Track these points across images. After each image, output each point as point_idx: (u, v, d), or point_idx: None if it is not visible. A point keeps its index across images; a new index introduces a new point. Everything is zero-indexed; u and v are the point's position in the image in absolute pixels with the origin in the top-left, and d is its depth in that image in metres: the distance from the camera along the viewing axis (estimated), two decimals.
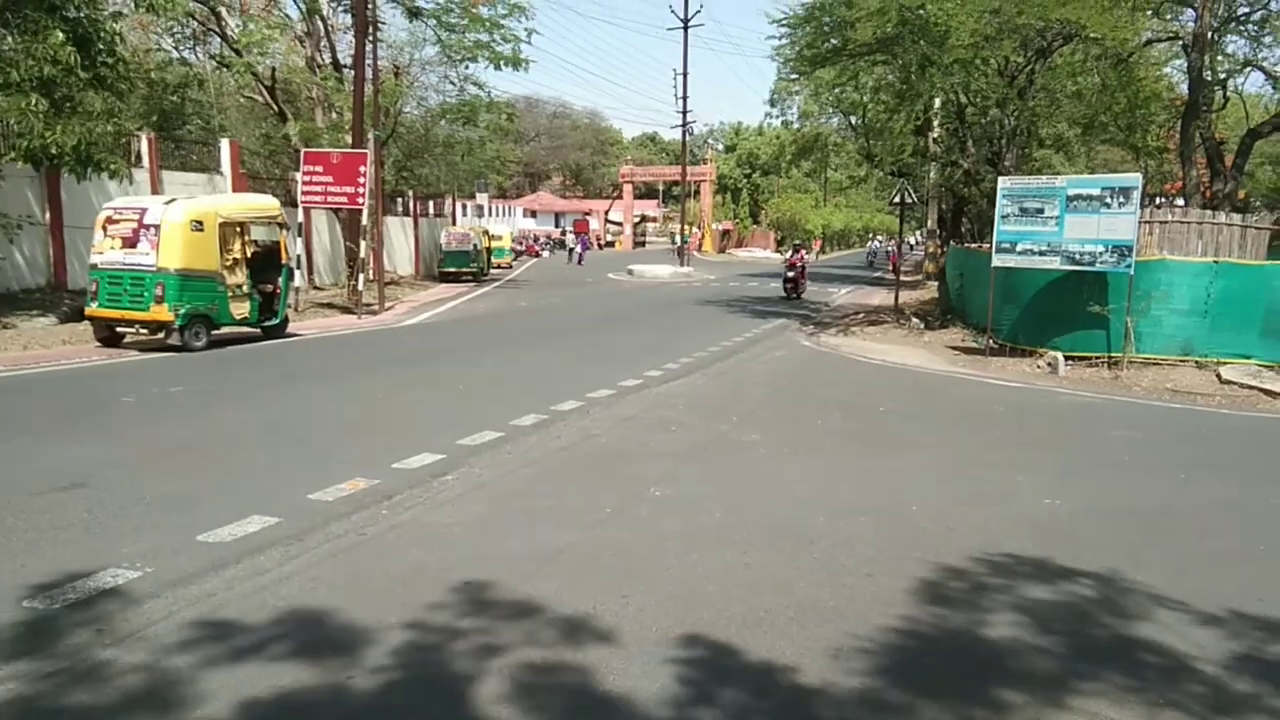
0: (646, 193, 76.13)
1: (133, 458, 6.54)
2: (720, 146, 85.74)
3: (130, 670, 3.31)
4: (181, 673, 3.30)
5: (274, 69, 23.49)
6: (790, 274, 25.53)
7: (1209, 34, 16.70)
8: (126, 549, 4.49)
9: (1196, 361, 12.14)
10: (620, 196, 71.02)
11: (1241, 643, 3.82)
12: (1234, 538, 5.46)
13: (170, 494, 5.59)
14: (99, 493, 5.54)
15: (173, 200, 12.67)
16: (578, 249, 44.51)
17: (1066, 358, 12.52)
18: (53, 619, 3.71)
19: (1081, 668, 3.56)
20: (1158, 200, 26.68)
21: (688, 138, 47.89)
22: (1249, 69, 18.90)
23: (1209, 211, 14.83)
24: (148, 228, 11.91)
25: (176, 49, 24.06)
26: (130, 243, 11.98)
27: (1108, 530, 5.49)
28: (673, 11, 41.65)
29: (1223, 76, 18.62)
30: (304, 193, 18.55)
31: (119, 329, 12.31)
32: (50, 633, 3.58)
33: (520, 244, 48.40)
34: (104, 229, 12.18)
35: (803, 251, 27.40)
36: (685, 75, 42.65)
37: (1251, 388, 10.98)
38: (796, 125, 47.33)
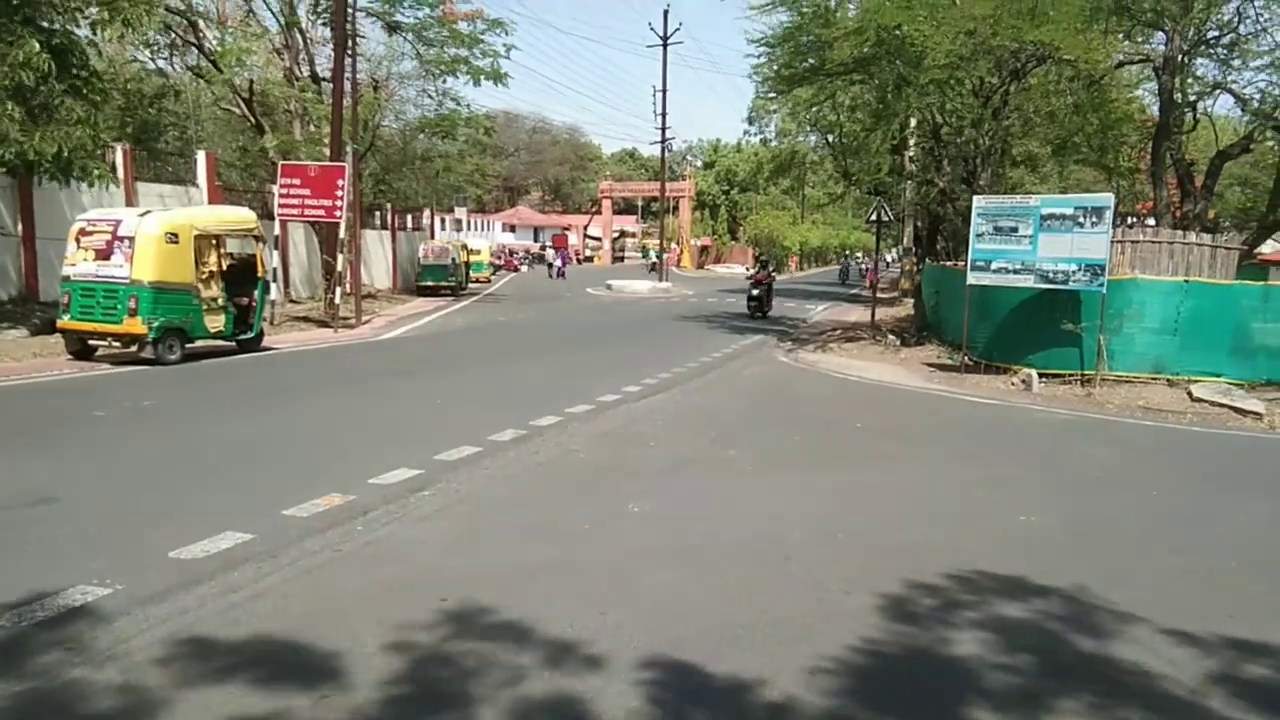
0: (625, 208, 76.33)
1: (103, 473, 6.45)
2: (699, 163, 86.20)
3: (100, 690, 3.26)
4: (152, 692, 3.25)
5: (251, 81, 23.40)
6: (755, 291, 24.83)
7: (1179, 57, 17.00)
8: (96, 565, 4.42)
9: (1168, 379, 12.30)
10: (599, 212, 71.17)
11: (1214, 660, 3.86)
12: (1207, 554, 5.52)
13: (142, 510, 5.51)
14: (68, 508, 5.46)
15: (147, 212, 12.55)
16: (558, 263, 44.90)
17: (1040, 375, 12.64)
18: (20, 638, 3.64)
19: (1054, 686, 3.58)
20: (1130, 220, 27.05)
21: (667, 154, 48.12)
22: (1218, 91, 19.23)
23: (1179, 232, 15.05)
24: (122, 239, 11.79)
25: (153, 60, 23.90)
26: (104, 254, 11.85)
27: (1082, 547, 5.53)
28: (652, 29, 42.03)
29: (1193, 99, 18.92)
30: (281, 205, 18.45)
31: (91, 342, 12.15)
32: (18, 652, 3.51)
33: (499, 258, 48.35)
34: (77, 240, 12.04)
35: (769, 268, 25.88)
36: (664, 92, 42.93)
37: (1222, 405, 11.14)
38: (774, 143, 47.78)
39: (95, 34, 13.74)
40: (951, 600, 4.44)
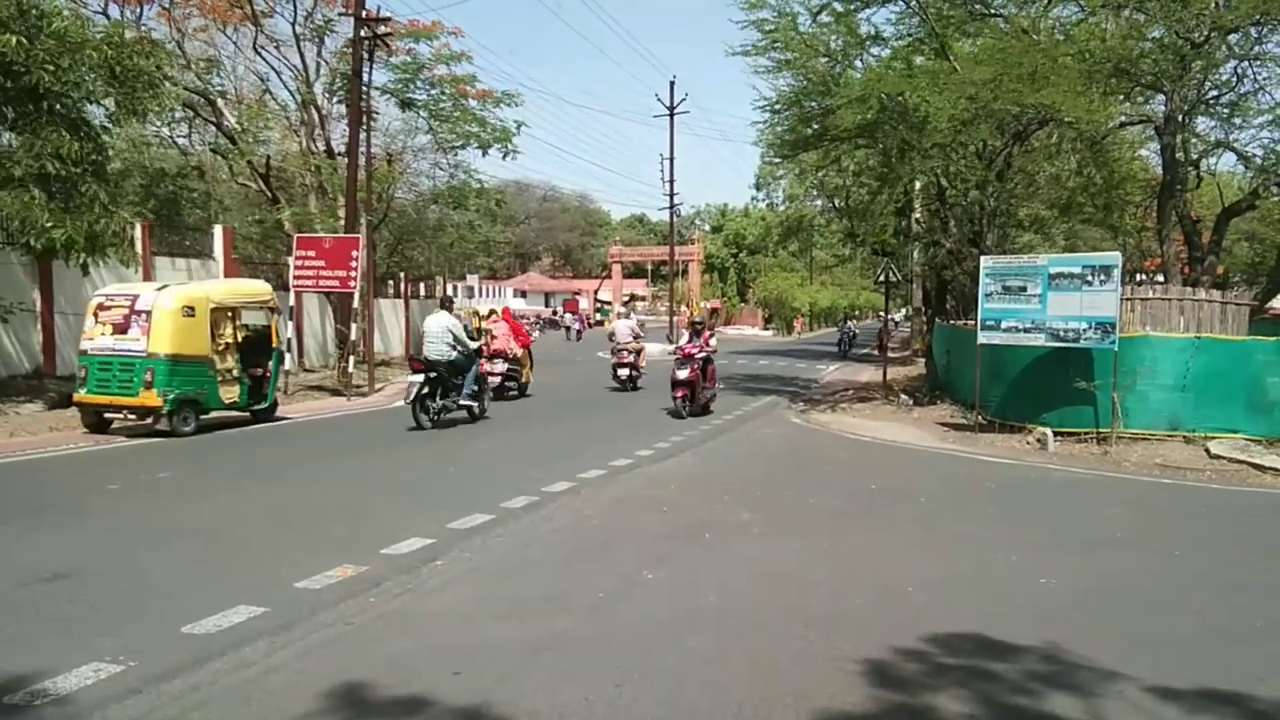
0: (635, 272, 77.00)
1: (117, 546, 6.45)
2: (707, 227, 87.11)
3: None
4: None
5: (268, 157, 23.93)
6: (630, 368, 19.62)
7: (1180, 117, 17.21)
8: (109, 642, 4.40)
9: (1185, 436, 12.19)
10: (609, 276, 71.80)
11: None
12: (1231, 615, 5.42)
13: (155, 584, 5.50)
14: (82, 583, 5.45)
15: (164, 286, 12.74)
16: (575, 326, 46.24)
17: (1055, 433, 12.55)
18: (33, 716, 3.61)
19: None
20: (1138, 277, 27.11)
21: (675, 219, 48.69)
22: (1221, 149, 19.42)
23: (1189, 288, 15.07)
24: (139, 314, 11.95)
25: (173, 138, 24.50)
26: (121, 328, 12.00)
27: (1103, 610, 5.44)
28: (659, 100, 42.78)
29: (1196, 157, 19.11)
30: (296, 277, 18.69)
31: (107, 415, 12.24)
32: None
33: None
34: (95, 315, 12.21)
35: (706, 335, 16.14)
36: (672, 160, 43.58)
37: (1241, 462, 11.02)
38: (782, 207, 48.35)
39: (110, 126, 14.19)
40: (973, 669, 4.36)
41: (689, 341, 16.03)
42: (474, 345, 13.97)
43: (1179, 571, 6.48)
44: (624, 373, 19.97)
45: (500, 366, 17.56)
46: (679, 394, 14.91)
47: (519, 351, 18.27)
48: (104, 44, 12.76)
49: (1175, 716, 3.84)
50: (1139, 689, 4.11)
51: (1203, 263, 18.23)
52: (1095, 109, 15.28)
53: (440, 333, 13.50)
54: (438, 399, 13.21)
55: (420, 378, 12.96)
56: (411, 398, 12.79)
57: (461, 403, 13.65)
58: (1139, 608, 5.53)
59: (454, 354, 13.33)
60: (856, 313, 71.98)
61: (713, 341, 16.15)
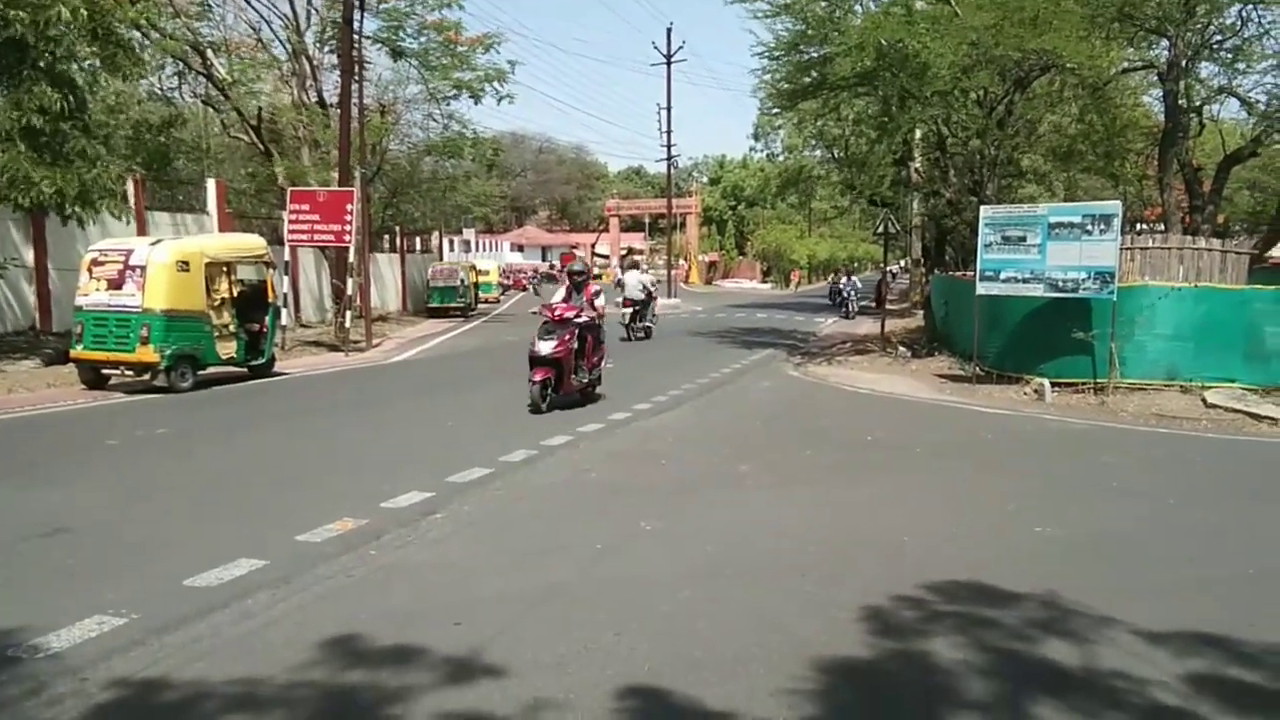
0: (633, 225, 76.55)
1: (117, 501, 6.47)
2: (705, 179, 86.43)
3: None
4: None
5: (260, 109, 23.62)
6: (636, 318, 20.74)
7: (1183, 62, 16.98)
8: (111, 595, 4.43)
9: (1182, 386, 12.21)
10: (606, 230, 71.43)
11: (1231, 670, 3.81)
12: (1224, 562, 5.47)
13: (156, 538, 5.53)
14: (83, 538, 5.48)
15: (158, 241, 12.65)
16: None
17: (1053, 384, 12.57)
18: (37, 668, 3.64)
19: (1076, 697, 3.54)
20: (1138, 226, 26.97)
21: (673, 171, 48.29)
22: (1224, 96, 19.20)
23: (1189, 237, 15.00)
24: (133, 269, 11.88)
25: (161, 89, 24.16)
26: (116, 284, 11.94)
27: (1098, 557, 5.49)
28: (655, 48, 42.21)
29: (1198, 104, 18.90)
30: (290, 231, 18.56)
31: (104, 371, 12.23)
32: (35, 682, 3.51)
33: (507, 278, 48.55)
34: (89, 270, 12.14)
35: (590, 291, 11.37)
36: (669, 110, 43.17)
37: (1237, 411, 11.05)
38: (781, 158, 47.93)
39: (90, 89, 14.00)
40: (970, 615, 4.40)
41: (565, 300, 11.14)
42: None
43: (1174, 520, 6.52)
44: (631, 322, 21.39)
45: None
46: (538, 377, 10.41)
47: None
48: (81, 4, 12.52)
49: (1166, 660, 3.88)
50: (1131, 634, 4.16)
51: (1203, 211, 18.13)
52: (1098, 54, 15.09)
53: (636, 284, 21.67)
54: (638, 322, 21.27)
55: (630, 309, 21.17)
56: (627, 320, 20.92)
57: (647, 323, 21.72)
58: (1133, 556, 5.57)
59: (643, 295, 21.65)
60: (855, 264, 66.94)
61: (600, 301, 11.32)
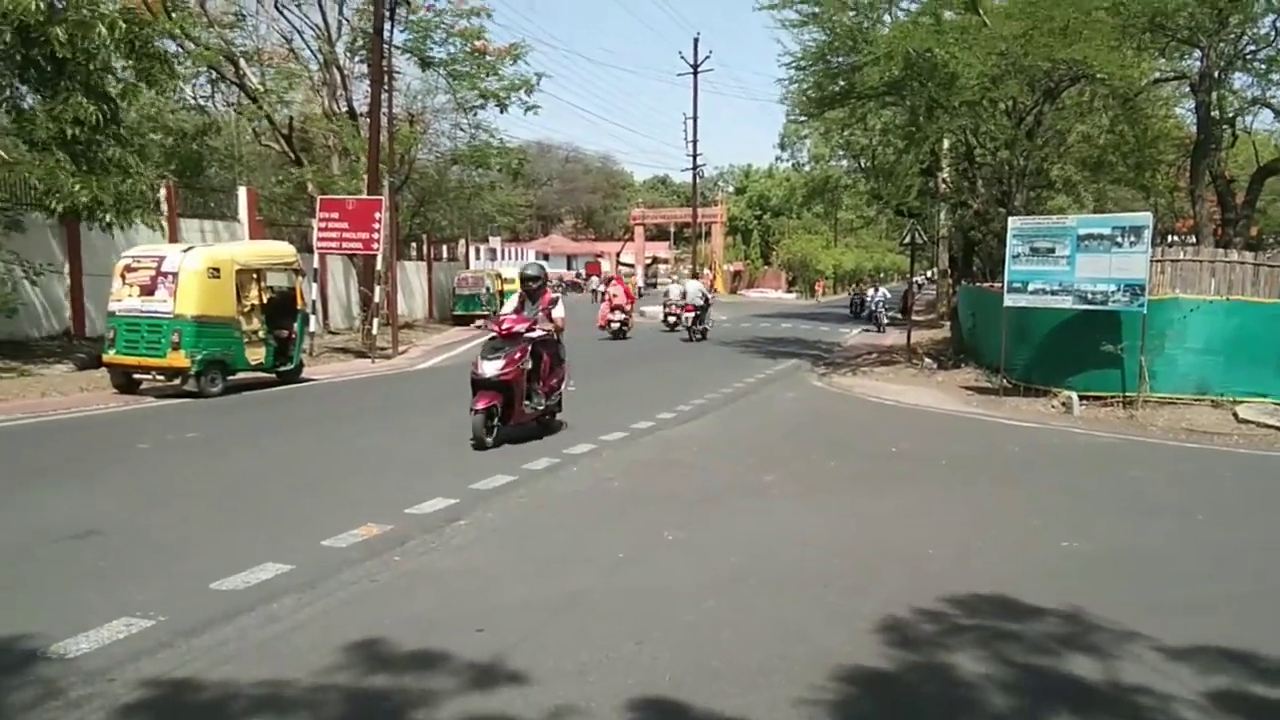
0: (658, 234, 76.58)
1: (147, 504, 6.56)
2: (730, 189, 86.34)
3: None
4: None
5: (291, 118, 23.93)
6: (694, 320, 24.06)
7: (1215, 73, 16.81)
8: (140, 597, 4.49)
9: (1212, 400, 12.05)
10: (632, 239, 71.48)
11: (1262, 688, 3.75)
12: (1253, 580, 5.39)
13: (184, 541, 5.60)
14: (113, 540, 5.56)
15: (190, 248, 12.84)
16: (602, 288, 46.46)
17: (1081, 397, 12.44)
18: (66, 668, 3.70)
19: (1097, 714, 3.50)
20: (1170, 238, 26.67)
21: (698, 180, 48.34)
22: (1258, 107, 18.97)
23: (1221, 250, 14.81)
24: (165, 275, 12.06)
25: (195, 98, 24.54)
26: (148, 290, 12.12)
27: (1125, 573, 5.43)
28: (682, 58, 42.41)
29: (1231, 115, 18.69)
30: (319, 239, 18.76)
31: (136, 376, 12.40)
32: (64, 682, 3.57)
33: None
34: (123, 277, 12.34)
35: (546, 298, 9.67)
36: (695, 119, 43.29)
37: (1269, 426, 10.89)
38: (807, 167, 47.82)
39: (125, 100, 14.23)
40: (992, 629, 4.37)
41: (516, 311, 9.45)
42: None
43: (1202, 536, 6.43)
44: (685, 323, 24.51)
45: (619, 316, 24.28)
46: (481, 404, 8.55)
47: (629, 306, 25.32)
48: (121, 19, 12.76)
49: (1188, 676, 3.83)
50: (1155, 650, 4.11)
51: (1236, 224, 17.90)
52: (1129, 65, 14.97)
53: (697, 290, 24.82)
54: (698, 324, 23.86)
55: (693, 314, 23.97)
56: (690, 324, 23.86)
57: (705, 325, 24.22)
58: (1160, 572, 5.50)
59: (703, 300, 24.48)
60: (881, 275, 64.89)
61: (558, 312, 9.68)
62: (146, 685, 3.57)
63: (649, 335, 25.55)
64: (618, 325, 24.00)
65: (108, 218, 13.32)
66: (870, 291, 32.53)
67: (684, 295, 25.29)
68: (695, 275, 29.19)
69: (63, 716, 3.32)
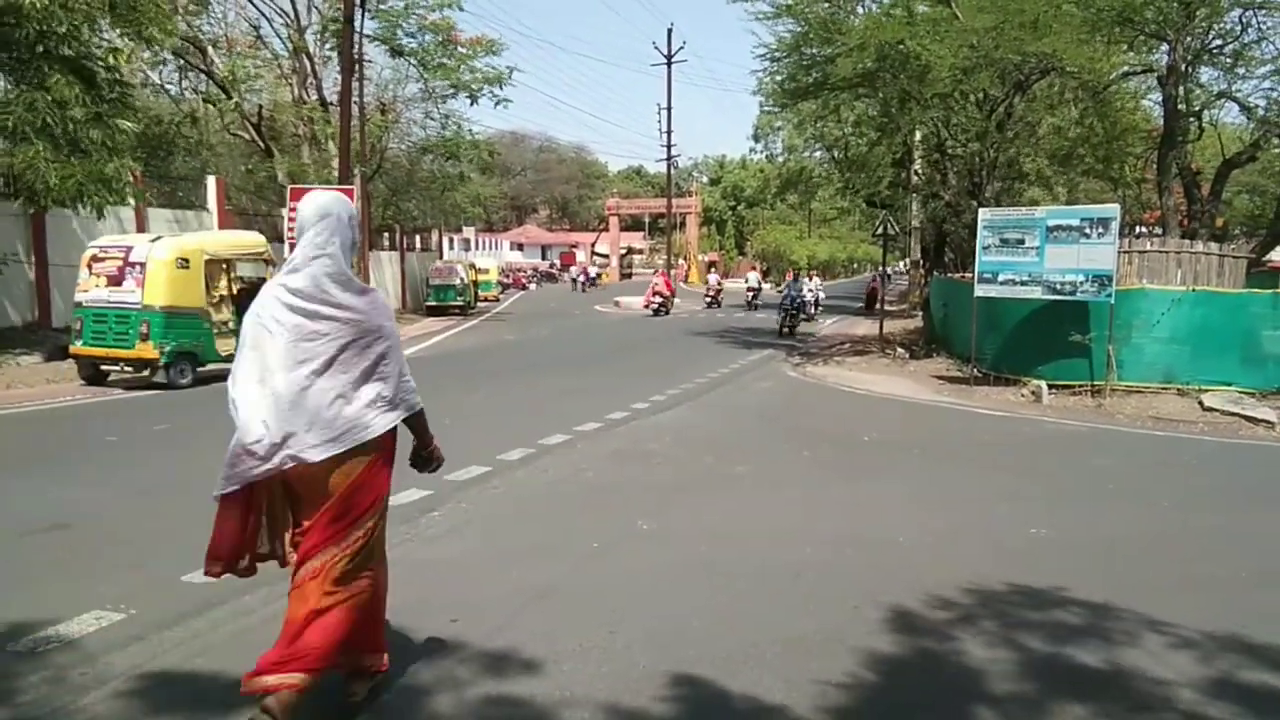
0: (632, 225, 76.57)
1: (116, 497, 6.50)
2: (705, 179, 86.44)
3: (114, 716, 3.28)
4: (167, 718, 3.27)
5: (260, 106, 23.66)
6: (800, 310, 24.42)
7: (1183, 66, 17.02)
8: (110, 590, 4.46)
9: (1179, 389, 12.25)
10: (606, 229, 71.40)
11: (1220, 668, 3.84)
12: (1219, 564, 5.49)
13: (154, 534, 5.55)
14: (81, 533, 5.50)
15: (158, 238, 12.68)
16: (581, 278, 48.03)
17: (1050, 386, 12.61)
18: (35, 663, 3.67)
19: (1061, 694, 3.57)
20: (1137, 229, 27.03)
21: (673, 171, 48.32)
22: (1224, 100, 19.24)
23: (1187, 241, 15.04)
24: (133, 265, 11.91)
25: (162, 85, 24.19)
26: (115, 280, 11.97)
27: (1092, 559, 5.52)
28: (656, 48, 42.26)
29: (1198, 108, 18.94)
30: (290, 229, 18.57)
31: (103, 367, 12.25)
32: (33, 677, 3.54)
33: (507, 277, 48.61)
34: (89, 267, 12.17)
35: (806, 283, 15.25)
36: (669, 110, 43.22)
37: (1234, 414, 11.08)
38: (781, 158, 47.93)
39: (116, 60, 13.85)
40: (960, 614, 4.44)
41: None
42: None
43: (1168, 522, 6.55)
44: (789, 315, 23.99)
45: (658, 300, 30.90)
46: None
47: (668, 293, 32.13)
48: None
49: (1149, 657, 3.92)
50: (1117, 632, 4.19)
51: (1202, 215, 18.17)
52: (1098, 58, 15.12)
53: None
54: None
55: (794, 309, 24.01)
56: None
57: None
58: (1125, 557, 5.60)
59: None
60: (809, 270, 47.77)
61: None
62: (118, 678, 3.54)
63: (632, 322, 25.49)
64: (658, 305, 31.05)
65: (89, 203, 13.02)
66: (797, 286, 25.61)
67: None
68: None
69: (32, 711, 3.29)
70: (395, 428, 3.24)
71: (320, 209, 3.04)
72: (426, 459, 3.55)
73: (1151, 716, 3.45)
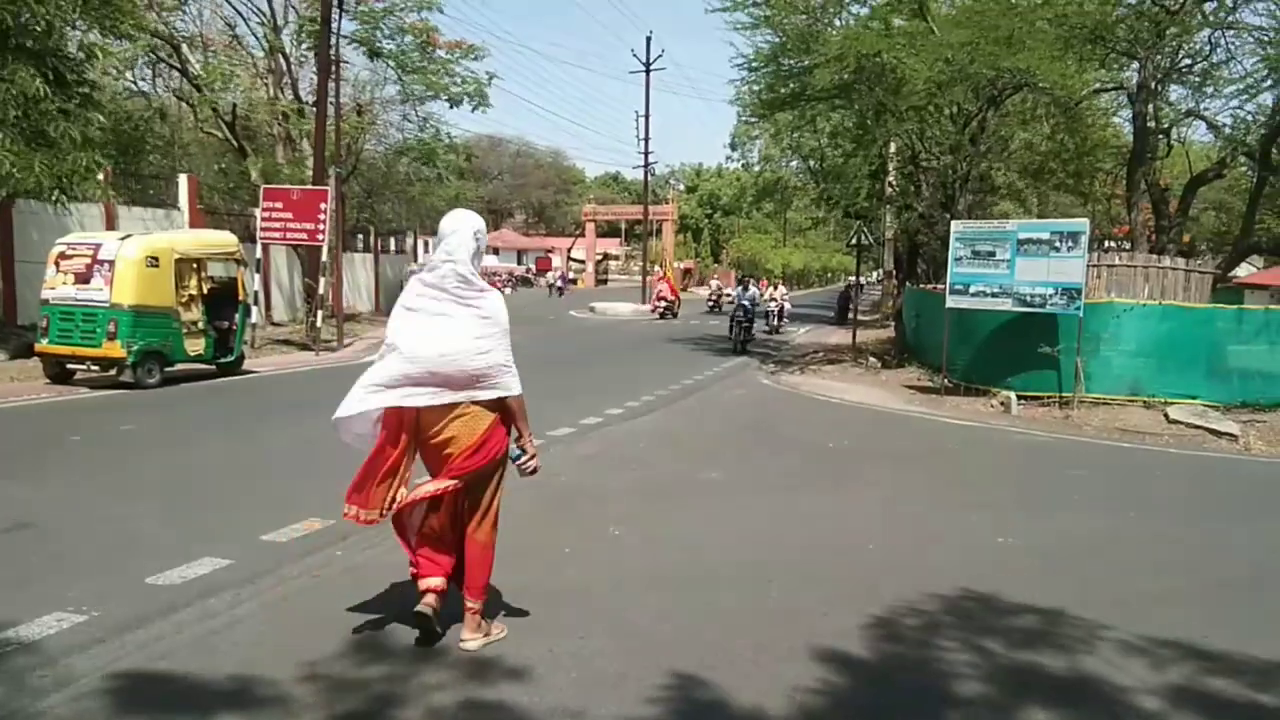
0: (609, 231, 76.54)
1: (80, 498, 6.39)
2: (681, 187, 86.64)
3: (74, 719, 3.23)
4: None
5: (235, 105, 23.43)
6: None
7: (1153, 84, 17.31)
8: (72, 592, 4.38)
9: (1145, 401, 12.42)
10: (583, 235, 71.29)
11: (1182, 676, 3.89)
12: (1181, 574, 5.58)
13: (119, 535, 5.47)
14: (43, 534, 5.41)
15: (128, 236, 12.50)
16: (558, 284, 48.54)
17: (1019, 397, 12.74)
18: None
19: (1029, 700, 3.60)
20: (1106, 244, 27.42)
21: (649, 178, 48.40)
22: (1192, 118, 19.60)
23: (1155, 256, 15.28)
24: (101, 263, 11.73)
25: (135, 83, 23.89)
26: (83, 278, 11.79)
27: (1057, 568, 5.58)
28: (635, 55, 42.39)
29: (1167, 125, 19.28)
30: (263, 228, 18.41)
31: (70, 366, 12.06)
32: None
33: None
34: (57, 264, 11.98)
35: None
36: (647, 117, 43.23)
37: (1198, 427, 11.25)
38: (758, 168, 48.16)
39: (92, 60, 13.63)
40: (929, 620, 4.47)
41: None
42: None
43: (1132, 532, 6.64)
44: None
45: (663, 304, 31.64)
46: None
47: (672, 296, 32.88)
48: None
49: (1112, 664, 3.97)
50: (1081, 640, 4.25)
51: (1169, 231, 18.46)
52: (1070, 75, 15.32)
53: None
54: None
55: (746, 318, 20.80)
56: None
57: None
58: (1091, 566, 5.67)
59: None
60: (776, 278, 46.65)
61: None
62: (79, 681, 3.48)
63: (607, 327, 25.41)
64: (664, 309, 32.33)
65: (54, 196, 12.78)
66: (738, 293, 22.12)
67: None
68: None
69: None
70: (503, 399, 3.93)
71: (453, 225, 3.89)
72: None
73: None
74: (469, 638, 3.94)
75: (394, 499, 3.98)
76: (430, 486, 3.94)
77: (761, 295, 26.95)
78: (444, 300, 3.85)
